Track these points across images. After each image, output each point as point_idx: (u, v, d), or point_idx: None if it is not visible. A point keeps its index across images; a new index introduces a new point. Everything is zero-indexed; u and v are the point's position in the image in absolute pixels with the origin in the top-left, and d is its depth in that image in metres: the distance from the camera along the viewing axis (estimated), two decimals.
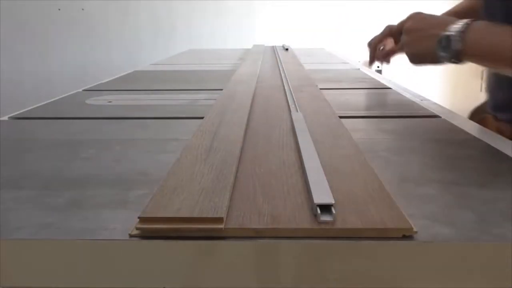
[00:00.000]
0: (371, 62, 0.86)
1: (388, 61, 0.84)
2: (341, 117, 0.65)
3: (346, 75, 1.28)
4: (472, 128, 0.65)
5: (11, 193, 0.42)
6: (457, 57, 0.54)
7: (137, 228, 0.33)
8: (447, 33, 0.53)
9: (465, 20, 0.54)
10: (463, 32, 0.53)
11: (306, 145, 0.50)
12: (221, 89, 0.89)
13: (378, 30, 0.83)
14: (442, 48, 0.55)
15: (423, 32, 0.59)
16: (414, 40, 0.61)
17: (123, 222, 0.35)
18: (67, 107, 0.85)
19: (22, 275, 0.33)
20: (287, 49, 1.89)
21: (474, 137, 0.60)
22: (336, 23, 3.03)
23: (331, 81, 1.16)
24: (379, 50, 0.83)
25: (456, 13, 0.83)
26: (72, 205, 0.39)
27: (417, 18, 0.61)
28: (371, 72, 1.38)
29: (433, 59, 0.58)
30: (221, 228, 0.32)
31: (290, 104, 0.74)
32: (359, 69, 1.40)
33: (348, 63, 1.59)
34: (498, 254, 0.32)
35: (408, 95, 0.92)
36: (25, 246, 0.33)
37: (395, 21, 0.77)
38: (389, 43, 0.80)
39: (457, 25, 0.53)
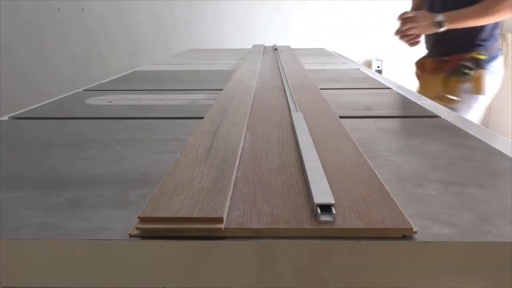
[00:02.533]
0: (397, 33, 1.37)
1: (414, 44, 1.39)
2: (341, 117, 0.65)
3: (346, 75, 1.28)
4: (472, 128, 0.65)
5: (11, 193, 0.42)
6: (442, 26, 1.24)
7: (137, 228, 0.33)
8: (439, 18, 1.25)
9: (441, 14, 1.25)
10: (444, 16, 1.24)
11: (306, 145, 0.50)
12: (221, 89, 0.89)
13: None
14: (438, 23, 1.25)
15: (428, 17, 1.29)
16: (422, 20, 1.30)
17: (123, 222, 0.35)
18: (67, 107, 0.85)
19: (22, 275, 0.33)
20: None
21: (474, 137, 0.60)
22: (336, 23, 3.04)
23: (331, 81, 1.16)
24: (407, 35, 1.34)
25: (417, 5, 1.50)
26: (72, 205, 0.39)
27: (420, 11, 1.35)
28: (371, 72, 1.38)
29: (432, 29, 1.28)
30: (221, 228, 0.32)
31: (290, 104, 0.74)
32: (359, 69, 1.40)
33: (348, 63, 1.59)
34: (498, 254, 0.32)
35: (408, 95, 0.92)
36: (25, 246, 0.33)
37: (394, 20, 1.20)
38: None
39: (441, 15, 1.24)
